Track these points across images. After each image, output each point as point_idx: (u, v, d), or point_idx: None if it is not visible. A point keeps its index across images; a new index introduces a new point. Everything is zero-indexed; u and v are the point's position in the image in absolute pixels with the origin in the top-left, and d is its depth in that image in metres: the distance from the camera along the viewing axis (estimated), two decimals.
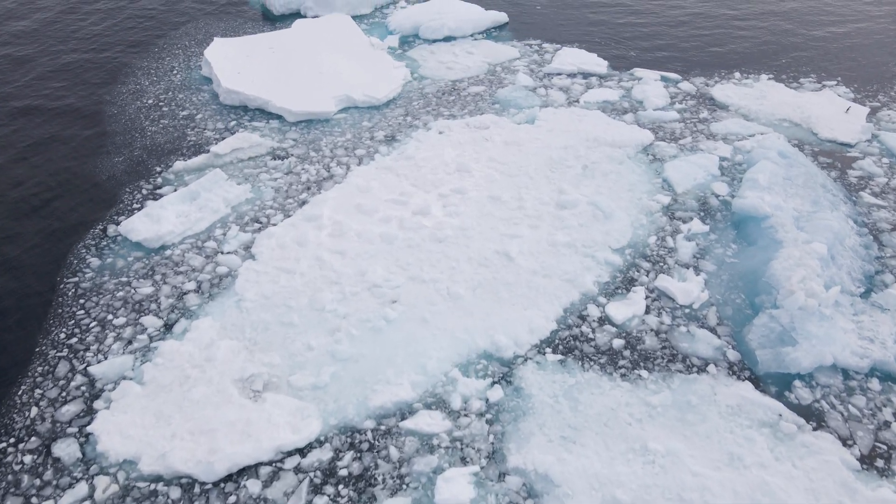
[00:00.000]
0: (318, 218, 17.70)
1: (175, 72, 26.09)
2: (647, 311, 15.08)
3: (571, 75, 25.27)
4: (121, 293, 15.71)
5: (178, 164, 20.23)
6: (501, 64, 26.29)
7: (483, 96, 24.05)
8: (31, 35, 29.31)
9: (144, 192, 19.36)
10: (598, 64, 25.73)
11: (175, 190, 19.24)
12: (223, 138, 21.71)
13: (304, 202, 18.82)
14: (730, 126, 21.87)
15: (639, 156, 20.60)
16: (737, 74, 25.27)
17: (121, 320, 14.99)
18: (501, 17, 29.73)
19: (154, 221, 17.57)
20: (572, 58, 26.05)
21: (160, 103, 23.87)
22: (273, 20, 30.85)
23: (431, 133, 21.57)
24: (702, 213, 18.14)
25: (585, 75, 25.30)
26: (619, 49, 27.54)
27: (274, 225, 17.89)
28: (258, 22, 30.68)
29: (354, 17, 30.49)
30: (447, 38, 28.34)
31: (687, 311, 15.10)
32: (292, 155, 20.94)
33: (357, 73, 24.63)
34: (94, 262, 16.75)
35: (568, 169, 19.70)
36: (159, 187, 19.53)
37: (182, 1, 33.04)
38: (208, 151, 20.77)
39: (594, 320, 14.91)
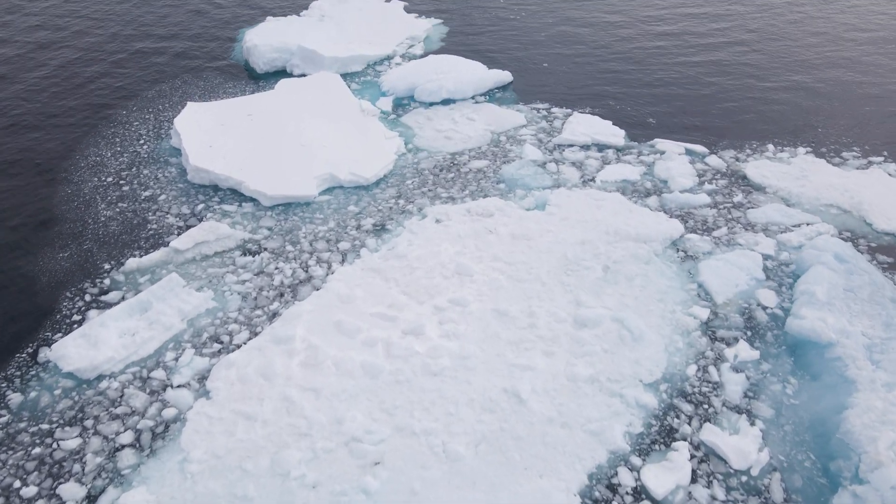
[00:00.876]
0: (290, 340, 14.74)
1: (142, 141, 23.39)
2: (694, 480, 12.04)
3: (585, 147, 22.55)
4: (37, 449, 12.68)
5: (132, 262, 17.35)
6: (506, 132, 23.60)
7: (486, 173, 21.29)
8: None
9: (88, 298, 16.44)
10: (613, 134, 23.03)
11: (123, 297, 16.33)
12: (188, 226, 18.87)
13: (275, 314, 15.89)
14: (770, 214, 19.04)
15: (668, 252, 17.72)
16: (770, 147, 22.54)
17: (31, 490, 11.95)
18: (505, 76, 27.17)
19: (91, 345, 14.61)
20: (585, 126, 23.37)
21: (121, 181, 21.10)
22: (257, 78, 28.30)
23: (427, 222, 18.73)
24: (749, 332, 15.19)
25: (600, 147, 22.58)
26: (637, 115, 24.87)
27: (237, 347, 14.93)
28: (240, 80, 28.12)
29: (344, 76, 27.96)
30: (446, 101, 25.73)
31: (744, 478, 12.06)
32: (265, 249, 18.07)
33: (344, 146, 21.91)
34: (15, 398, 13.75)
35: (586, 271, 16.80)
36: (106, 292, 16.62)
37: (162, 55, 30.60)
38: (168, 245, 17.91)
39: (628, 492, 11.86)
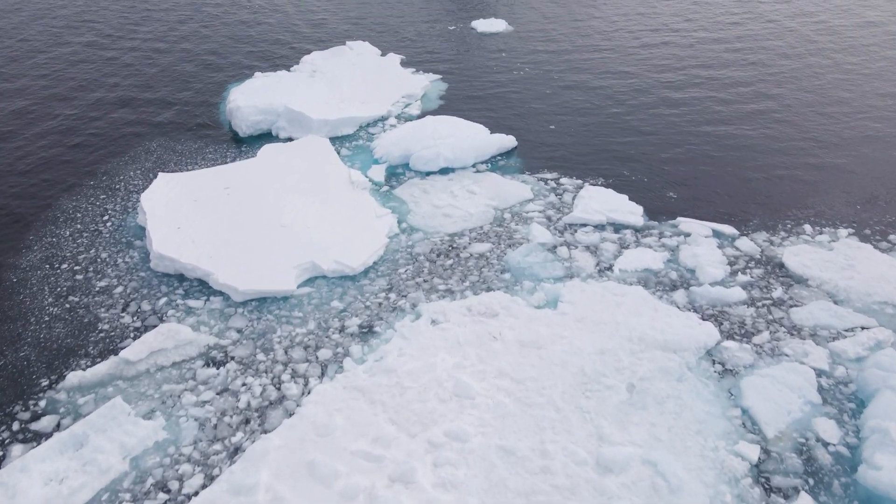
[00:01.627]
0: (252, 490, 12.07)
1: (107, 217, 21.03)
2: None
3: (599, 227, 20.16)
4: None
5: (73, 377, 14.76)
6: (511, 209, 21.26)
7: (489, 260, 18.85)
8: None
9: (16, 426, 13.79)
10: (631, 211, 20.67)
11: (58, 425, 13.72)
12: (145, 327, 16.36)
13: (237, 450, 13.24)
14: (817, 314, 16.52)
15: (702, 365, 15.15)
16: (807, 228, 20.14)
17: None
18: (508, 141, 24.98)
19: (8, 498, 11.95)
20: (598, 202, 21.02)
21: (76, 267, 18.64)
22: (240, 142, 26.11)
23: (421, 323, 16.20)
24: (810, 481, 12.52)
25: (617, 227, 20.20)
26: (655, 188, 22.57)
27: (187, 499, 12.26)
28: (222, 144, 25.92)
29: (335, 140, 25.79)
30: (444, 170, 23.47)
31: None
32: (233, 359, 15.51)
33: (330, 226, 19.53)
34: None
35: (608, 391, 14.21)
36: (39, 416, 14.00)
37: (140, 114, 28.50)
38: (118, 353, 15.36)
39: None
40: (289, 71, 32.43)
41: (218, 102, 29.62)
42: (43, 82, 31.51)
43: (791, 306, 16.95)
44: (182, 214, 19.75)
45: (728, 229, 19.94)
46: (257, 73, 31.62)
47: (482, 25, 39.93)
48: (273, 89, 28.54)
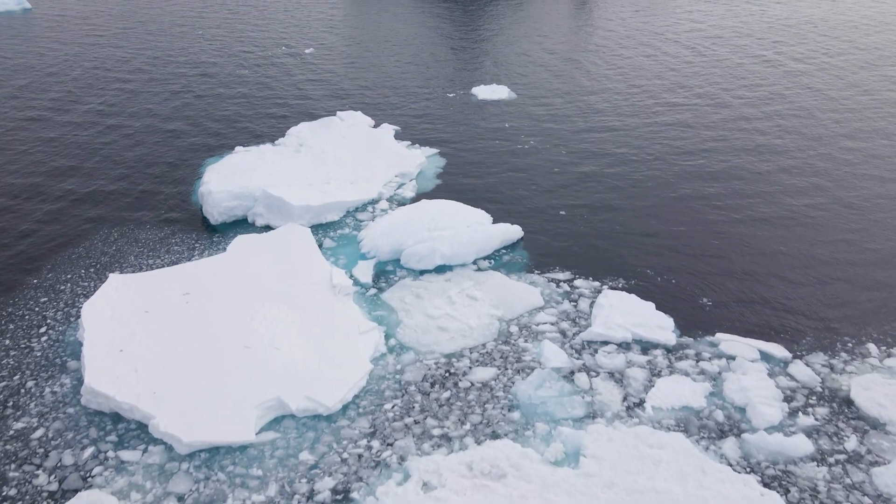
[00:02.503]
0: None
1: (44, 329, 17.87)
2: None
3: (624, 346, 17.01)
4: None
5: None
6: (519, 320, 18.13)
7: (494, 392, 15.61)
8: None
9: None
10: (660, 325, 17.54)
11: None
12: (62, 492, 13.01)
13: None
14: None
15: None
16: (872, 349, 16.96)
17: None
18: (513, 232, 22.07)
19: None
20: (621, 313, 17.90)
21: None
22: (212, 230, 23.21)
23: (410, 489, 12.84)
24: None
25: (644, 346, 17.04)
26: (685, 292, 19.48)
27: None
28: (191, 234, 22.96)
29: (318, 228, 22.92)
30: (441, 268, 20.48)
31: None
32: None
33: (303, 348, 16.35)
34: None
35: None
36: None
37: (105, 196, 25.71)
38: None
39: None
40: (273, 144, 29.85)
41: (194, 180, 26.87)
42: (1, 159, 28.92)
43: (872, 463, 13.63)
44: (128, 331, 16.59)
45: (778, 350, 16.76)
46: (238, 148, 28.97)
47: (483, 92, 37.69)
48: (252, 168, 25.82)
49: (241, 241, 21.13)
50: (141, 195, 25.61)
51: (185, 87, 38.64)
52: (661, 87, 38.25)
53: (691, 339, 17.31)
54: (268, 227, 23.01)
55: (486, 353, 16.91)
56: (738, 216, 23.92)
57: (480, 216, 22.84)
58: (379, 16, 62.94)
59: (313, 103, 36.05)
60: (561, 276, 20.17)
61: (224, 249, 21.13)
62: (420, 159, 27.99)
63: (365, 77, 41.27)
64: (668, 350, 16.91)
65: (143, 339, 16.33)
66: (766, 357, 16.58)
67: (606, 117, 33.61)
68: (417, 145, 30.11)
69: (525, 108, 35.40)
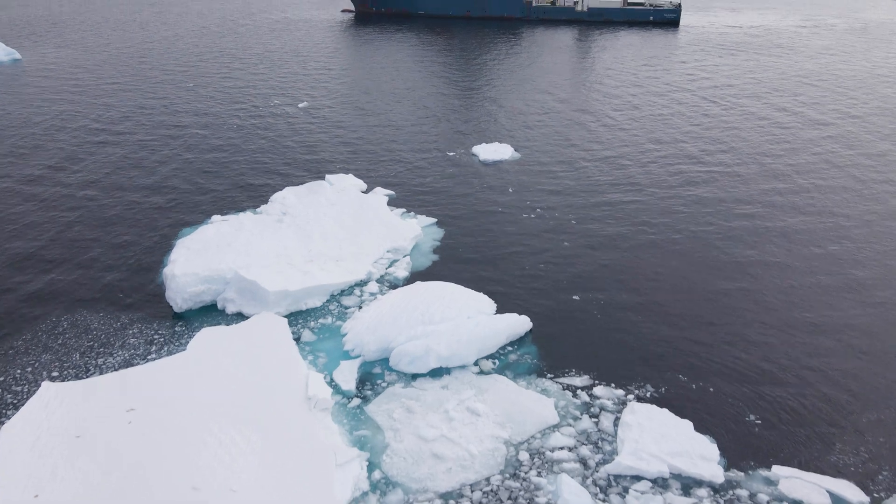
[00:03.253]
0: None
1: None
2: None
3: (660, 483, 13.89)
4: None
5: None
6: (529, 443, 15.06)
7: None
8: None
9: None
10: (702, 454, 14.43)
11: None
12: None
13: None
14: None
15: None
16: None
17: None
18: (521, 325, 19.08)
19: None
20: (653, 436, 14.82)
21: None
22: (175, 319, 20.28)
23: None
24: None
25: (685, 483, 13.91)
26: (728, 405, 16.38)
27: None
28: (151, 323, 19.98)
29: (297, 316, 20.00)
30: (436, 371, 17.47)
31: None
32: None
33: (264, 492, 13.23)
34: None
35: None
36: None
37: (61, 265, 22.91)
38: None
39: None
40: (255, 212, 27.19)
41: (164, 255, 24.07)
42: None
43: None
44: (50, 465, 13.51)
45: (850, 490, 13.62)
46: (215, 217, 26.32)
47: (485, 152, 35.25)
48: (227, 242, 23.04)
49: (205, 336, 18.20)
50: (102, 275, 22.77)
51: (170, 147, 36.19)
52: (676, 149, 35.80)
53: (742, 475, 14.17)
54: (240, 315, 20.10)
55: (491, 491, 13.78)
56: (785, 308, 21.01)
57: (482, 303, 19.99)
58: (378, 66, 61.36)
59: (302, 164, 33.58)
60: (577, 381, 17.14)
61: (185, 345, 18.18)
62: (415, 231, 25.25)
63: (360, 133, 39.02)
64: (715, 490, 13.76)
65: (66, 478, 13.22)
66: (837, 501, 13.42)
67: (618, 182, 31.06)
68: (413, 213, 27.45)
69: (530, 169, 32.90)
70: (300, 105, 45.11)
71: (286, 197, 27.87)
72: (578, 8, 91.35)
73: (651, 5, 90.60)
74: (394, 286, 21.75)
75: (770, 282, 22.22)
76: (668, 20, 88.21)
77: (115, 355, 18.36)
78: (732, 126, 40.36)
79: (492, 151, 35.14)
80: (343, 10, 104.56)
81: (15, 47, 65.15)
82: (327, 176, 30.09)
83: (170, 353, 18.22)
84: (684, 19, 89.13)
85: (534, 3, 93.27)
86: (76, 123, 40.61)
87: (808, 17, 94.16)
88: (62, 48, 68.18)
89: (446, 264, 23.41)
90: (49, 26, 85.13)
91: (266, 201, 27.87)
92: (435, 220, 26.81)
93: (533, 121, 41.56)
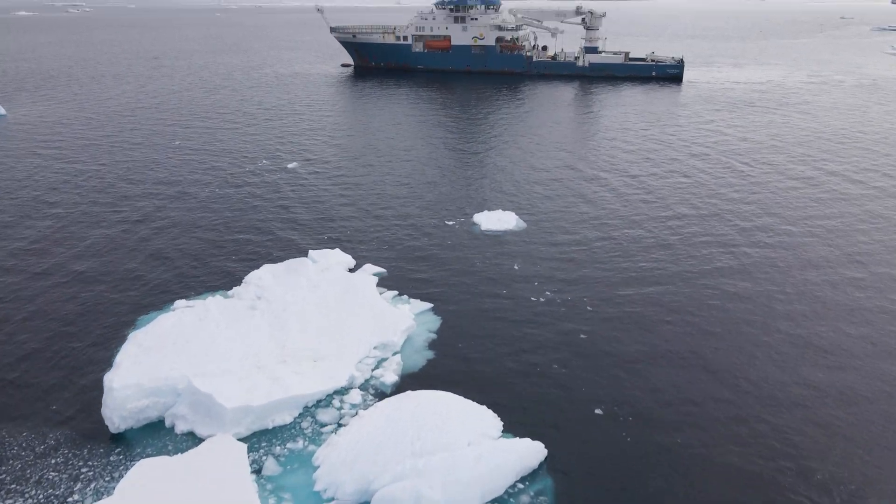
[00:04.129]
0: None
1: None
2: None
3: None
4: None
5: None
6: None
7: None
8: None
9: None
10: None
11: None
12: None
13: None
14: None
15: None
16: None
17: None
18: (534, 454, 15.42)
19: None
20: None
21: None
22: (113, 441, 16.64)
23: None
24: None
25: None
26: None
27: None
28: (82, 449, 16.27)
29: (262, 437, 16.45)
30: None
31: None
32: None
33: None
34: None
35: None
36: None
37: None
38: None
39: None
40: (226, 295, 23.84)
41: (117, 344, 20.62)
42: None
43: None
44: None
45: None
46: (179, 303, 23.01)
47: (487, 221, 32.18)
48: (186, 339, 19.60)
49: (141, 473, 14.58)
50: (37, 376, 19.29)
51: (145, 216, 32.97)
52: (701, 222, 32.60)
53: None
54: (191, 436, 16.54)
55: None
56: (845, 425, 17.46)
57: (486, 421, 16.45)
58: (375, 123, 58.87)
59: (284, 236, 30.39)
60: None
61: (115, 480, 14.60)
62: (407, 322, 21.82)
63: (351, 199, 36.04)
64: None
65: None
66: None
67: (637, 260, 27.69)
68: (406, 297, 24.11)
69: (537, 241, 29.72)
70: (289, 166, 42.34)
71: (262, 277, 24.60)
72: (580, 63, 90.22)
73: (653, 60, 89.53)
74: (380, 394, 18.23)
75: (843, 412, 18.68)
76: (671, 75, 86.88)
77: (26, 497, 14.71)
78: (763, 193, 37.40)
79: (494, 220, 32.06)
80: (342, 65, 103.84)
81: (0, 103, 63.27)
82: (311, 252, 26.86)
83: (96, 494, 14.59)
84: (687, 74, 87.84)
85: (534, 58, 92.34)
86: (43, 188, 37.76)
87: (813, 73, 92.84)
88: (52, 104, 66.25)
89: (442, 365, 19.90)
90: (42, 80, 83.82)
91: (240, 281, 24.62)
92: (430, 305, 23.44)
93: (538, 185, 38.66)
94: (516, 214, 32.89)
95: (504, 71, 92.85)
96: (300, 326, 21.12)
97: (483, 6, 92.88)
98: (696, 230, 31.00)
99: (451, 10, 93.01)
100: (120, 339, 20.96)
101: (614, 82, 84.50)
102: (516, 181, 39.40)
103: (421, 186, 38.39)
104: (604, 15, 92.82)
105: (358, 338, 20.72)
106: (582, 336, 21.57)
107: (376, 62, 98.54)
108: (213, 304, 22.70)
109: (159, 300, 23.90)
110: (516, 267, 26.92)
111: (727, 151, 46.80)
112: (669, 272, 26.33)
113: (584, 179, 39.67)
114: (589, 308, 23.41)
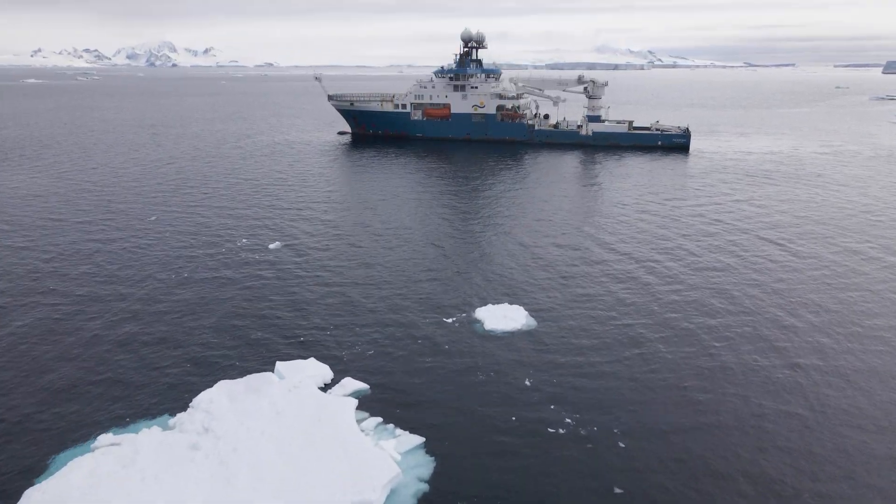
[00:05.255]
0: None
1: None
2: None
3: None
4: None
5: None
6: None
7: None
8: None
9: None
10: None
11: None
12: None
13: None
14: None
15: None
16: None
17: None
18: None
19: None
20: None
21: None
22: None
23: None
24: None
25: None
26: None
27: None
28: None
29: None
30: None
31: None
32: None
33: None
34: None
35: None
36: None
37: None
38: None
39: None
40: (166, 426, 19.06)
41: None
42: None
43: None
44: None
45: None
46: (102, 438, 18.15)
47: (492, 318, 27.54)
48: (100, 500, 14.77)
49: None
50: None
51: (88, 309, 28.40)
52: (736, 317, 28.07)
53: None
54: None
55: None
56: None
57: None
58: (369, 198, 54.21)
59: (254, 337, 25.68)
60: None
61: None
62: (391, 470, 16.80)
63: (335, 289, 31.47)
64: None
65: None
66: None
67: (677, 367, 22.99)
68: (391, 426, 19.29)
69: (552, 346, 25.00)
70: (271, 246, 38.10)
71: (214, 400, 19.87)
72: (583, 132, 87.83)
73: (658, 129, 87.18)
74: None
75: None
76: (678, 145, 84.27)
77: None
78: (808, 283, 33.01)
79: (500, 317, 27.48)
80: (339, 132, 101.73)
81: None
82: (279, 364, 22.20)
83: None
84: (693, 144, 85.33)
85: (536, 127, 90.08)
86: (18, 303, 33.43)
87: (824, 143, 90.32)
88: (32, 174, 62.84)
89: None
90: (29, 149, 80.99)
91: (186, 407, 19.86)
92: (422, 440, 18.57)
93: (548, 272, 34.28)
94: (525, 310, 28.33)
95: (505, 140, 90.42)
96: (251, 478, 16.27)
97: (483, 75, 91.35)
98: (742, 332, 26.36)
99: (450, 78, 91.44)
100: (14, 496, 16.06)
101: (619, 151, 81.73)
102: (523, 266, 35.00)
103: (417, 273, 33.92)
104: (606, 84, 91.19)
105: (328, 490, 15.84)
106: (617, 490, 16.66)
107: (374, 130, 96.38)
108: (144, 442, 17.87)
109: (82, 432, 19.07)
110: (528, 382, 22.18)
111: (755, 227, 42.71)
112: (719, 394, 21.58)
113: (602, 264, 35.25)
114: (622, 445, 18.55)
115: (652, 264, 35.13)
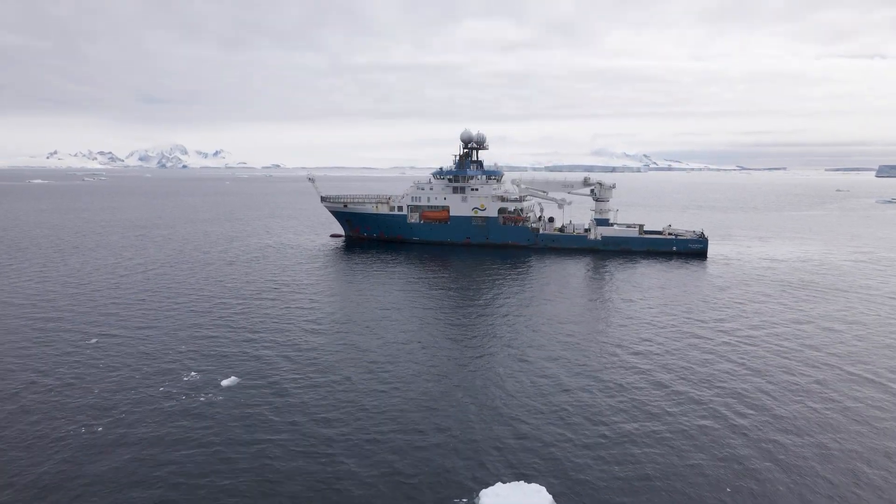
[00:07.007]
0: None
1: None
2: None
3: None
4: None
5: None
6: None
7: None
8: None
9: None
10: None
11: None
12: None
13: None
14: None
15: None
16: None
17: None
18: None
19: None
20: None
21: None
22: None
23: None
24: None
25: None
26: None
27: None
28: None
29: None
30: None
31: None
32: None
33: None
34: None
35: None
36: None
37: None
38: None
39: None
40: None
41: None
42: None
43: None
44: None
45: None
46: None
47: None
48: None
49: None
50: None
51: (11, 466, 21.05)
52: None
53: None
54: None
55: None
56: None
57: None
58: (355, 315, 46.01)
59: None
60: None
61: None
62: None
63: (298, 451, 23.71)
64: None
65: None
66: None
67: None
68: None
69: None
70: (223, 383, 30.63)
71: None
72: (591, 236, 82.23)
73: (671, 234, 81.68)
74: None
75: None
76: (695, 251, 78.39)
77: None
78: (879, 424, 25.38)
79: (513, 502, 19.74)
80: (332, 235, 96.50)
81: None
82: None
83: None
84: (710, 249, 79.53)
85: (541, 231, 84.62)
86: None
87: (855, 248, 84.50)
88: (18, 280, 56.60)
89: None
90: (4, 252, 75.34)
91: None
92: None
93: (572, 428, 26.68)
94: (546, 489, 20.61)
95: (508, 244, 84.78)
96: None
97: (484, 176, 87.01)
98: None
99: (449, 179, 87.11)
100: None
101: (630, 257, 75.67)
102: (537, 421, 27.29)
103: (404, 433, 26.03)
104: (614, 186, 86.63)
105: None
106: None
107: (369, 234, 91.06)
108: None
109: None
110: None
111: (835, 360, 35.24)
112: None
113: (635, 420, 27.58)
114: None
115: (726, 412, 27.46)
